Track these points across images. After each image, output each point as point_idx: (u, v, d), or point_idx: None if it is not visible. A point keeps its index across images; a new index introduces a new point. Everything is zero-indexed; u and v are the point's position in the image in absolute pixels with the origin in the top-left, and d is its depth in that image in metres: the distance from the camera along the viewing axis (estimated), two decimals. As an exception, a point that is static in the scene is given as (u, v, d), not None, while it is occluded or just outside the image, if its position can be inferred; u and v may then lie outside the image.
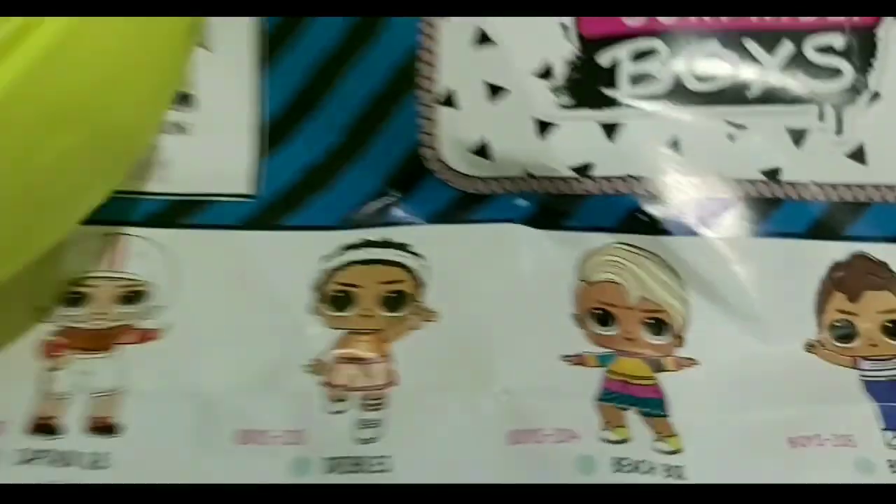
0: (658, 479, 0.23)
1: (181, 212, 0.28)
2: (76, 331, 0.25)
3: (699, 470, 0.24)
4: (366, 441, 0.24)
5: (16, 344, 0.25)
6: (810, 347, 0.27)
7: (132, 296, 0.26)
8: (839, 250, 0.27)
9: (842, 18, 0.27)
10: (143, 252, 0.27)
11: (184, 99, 0.28)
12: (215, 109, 0.28)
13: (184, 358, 0.25)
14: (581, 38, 0.28)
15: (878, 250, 0.27)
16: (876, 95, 0.27)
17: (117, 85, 0.21)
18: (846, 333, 0.27)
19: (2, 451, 0.23)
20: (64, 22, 0.19)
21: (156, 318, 0.26)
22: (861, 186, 0.27)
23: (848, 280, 0.27)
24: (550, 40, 0.28)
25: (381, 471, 0.24)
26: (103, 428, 0.24)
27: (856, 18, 0.27)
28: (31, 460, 0.23)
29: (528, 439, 0.24)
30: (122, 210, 0.27)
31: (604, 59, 0.28)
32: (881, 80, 0.27)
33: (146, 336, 0.26)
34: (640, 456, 0.24)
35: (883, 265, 0.27)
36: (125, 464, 0.23)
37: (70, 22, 0.19)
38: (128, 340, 0.25)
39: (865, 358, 0.26)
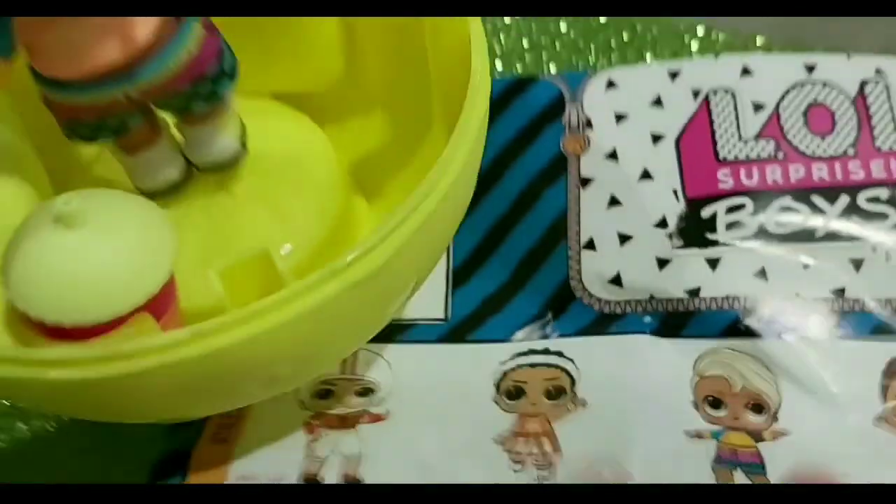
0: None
1: (394, 332, 0.38)
2: (328, 415, 0.35)
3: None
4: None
5: (288, 425, 0.35)
6: (877, 421, 0.34)
7: (365, 391, 0.36)
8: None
9: (885, 176, 0.36)
10: (371, 360, 0.37)
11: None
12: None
13: (405, 433, 0.35)
14: (687, 198, 0.37)
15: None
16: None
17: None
18: (907, 412, 0.34)
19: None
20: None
21: (382, 406, 0.36)
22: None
23: (904, 370, 0.35)
24: (665, 201, 0.37)
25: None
26: (352, 482, 0.33)
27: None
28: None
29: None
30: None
31: (705, 212, 0.37)
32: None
33: (377, 418, 0.35)
34: None
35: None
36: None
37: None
38: (365, 421, 0.35)
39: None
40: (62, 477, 0.35)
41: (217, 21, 0.29)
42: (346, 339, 0.30)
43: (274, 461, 0.33)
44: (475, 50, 0.29)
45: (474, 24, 0.30)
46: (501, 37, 0.47)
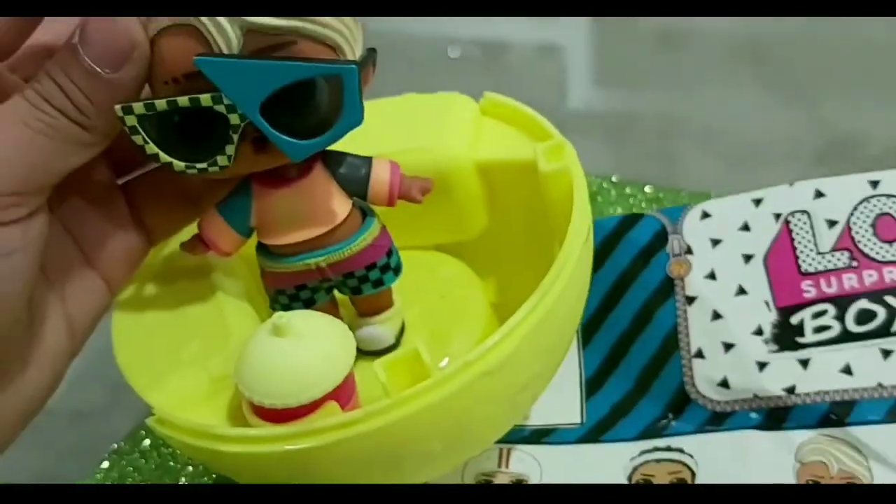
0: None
1: (540, 435, 0.46)
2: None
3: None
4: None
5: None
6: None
7: (518, 483, 0.44)
8: None
9: None
10: (521, 458, 0.45)
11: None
12: (556, 376, 0.47)
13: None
14: (778, 308, 0.44)
15: None
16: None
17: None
18: None
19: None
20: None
21: (533, 499, 0.44)
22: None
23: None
24: (759, 312, 0.44)
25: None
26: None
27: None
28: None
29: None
30: (507, 435, 0.46)
31: (794, 319, 0.43)
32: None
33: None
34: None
35: None
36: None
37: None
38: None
39: None
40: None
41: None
42: (485, 423, 0.37)
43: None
44: (576, 188, 0.38)
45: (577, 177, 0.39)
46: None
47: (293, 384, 0.33)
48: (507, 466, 0.45)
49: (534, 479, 0.44)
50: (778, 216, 0.45)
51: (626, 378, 0.46)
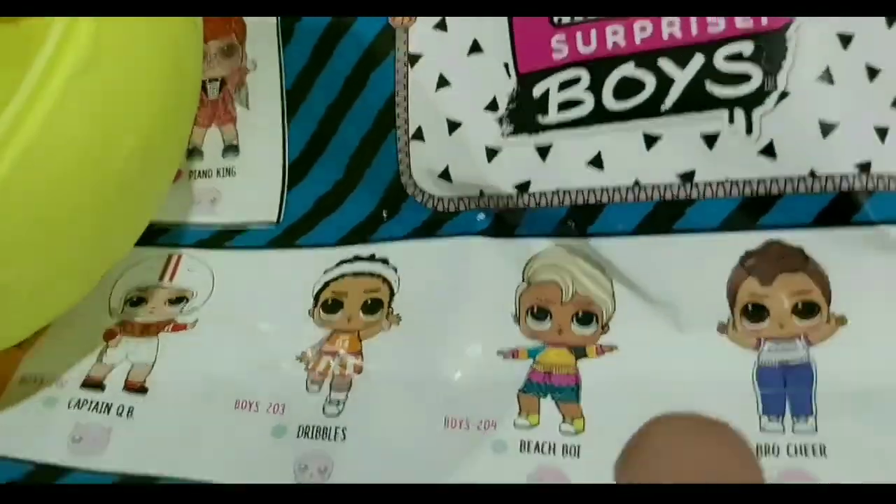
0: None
1: (223, 237, 0.35)
2: (131, 323, 0.34)
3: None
4: (330, 416, 0.30)
5: (89, 330, 0.34)
6: (722, 328, 0.28)
7: (177, 300, 0.34)
8: (752, 240, 0.29)
9: (751, 25, 0.29)
10: (192, 267, 0.35)
11: (231, 149, 0.36)
12: (253, 156, 0.36)
13: (206, 345, 0.32)
14: (519, 75, 0.32)
15: (791, 237, 0.28)
16: (784, 94, 0.28)
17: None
18: (757, 315, 0.28)
19: (58, 398, 0.32)
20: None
21: (191, 316, 0.34)
22: (773, 180, 0.28)
23: (760, 265, 0.29)
24: (496, 79, 0.32)
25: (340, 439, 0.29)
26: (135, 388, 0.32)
27: (765, 22, 0.28)
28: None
29: (458, 425, 0.29)
30: (179, 237, 0.35)
31: (537, 90, 0.31)
32: (790, 79, 0.28)
33: (181, 327, 0.33)
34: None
35: (797, 250, 0.28)
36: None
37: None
38: (168, 330, 0.33)
39: (769, 339, 0.28)
40: None
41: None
42: None
43: (62, 364, 0.33)
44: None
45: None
46: None
47: None
48: (170, 278, 0.35)
49: (200, 295, 0.34)
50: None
51: (334, 162, 0.35)
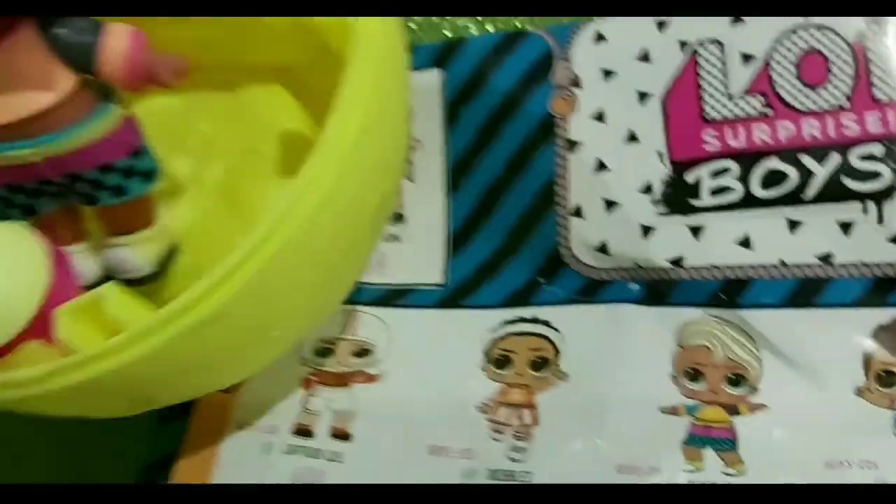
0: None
1: (395, 296, 0.40)
2: (325, 373, 0.38)
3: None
4: (517, 461, 0.34)
5: (287, 379, 0.38)
6: (859, 392, 0.33)
7: (362, 352, 0.39)
8: (883, 316, 0.33)
9: (881, 129, 0.33)
10: (370, 323, 0.39)
11: (398, 217, 0.41)
12: (418, 224, 0.40)
13: (395, 394, 0.37)
14: (672, 161, 0.37)
15: (916, 316, 0.33)
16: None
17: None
18: (888, 381, 0.33)
19: (274, 444, 0.36)
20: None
21: (377, 367, 0.38)
22: (901, 264, 0.33)
23: (890, 338, 0.33)
24: (651, 166, 0.36)
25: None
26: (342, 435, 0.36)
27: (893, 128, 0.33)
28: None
29: (630, 472, 0.33)
30: (356, 295, 0.40)
31: (690, 177, 0.36)
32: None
33: (371, 378, 0.38)
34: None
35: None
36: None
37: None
38: (359, 381, 0.38)
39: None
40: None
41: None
42: (212, 371, 0.32)
43: (270, 412, 0.37)
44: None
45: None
46: None
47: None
48: (351, 332, 0.39)
49: (381, 348, 0.39)
50: (684, 45, 0.37)
51: (495, 233, 0.39)
